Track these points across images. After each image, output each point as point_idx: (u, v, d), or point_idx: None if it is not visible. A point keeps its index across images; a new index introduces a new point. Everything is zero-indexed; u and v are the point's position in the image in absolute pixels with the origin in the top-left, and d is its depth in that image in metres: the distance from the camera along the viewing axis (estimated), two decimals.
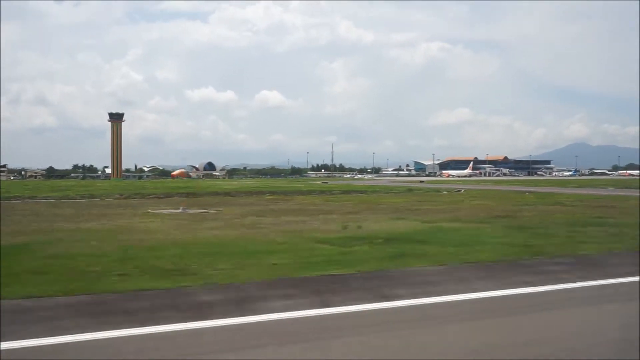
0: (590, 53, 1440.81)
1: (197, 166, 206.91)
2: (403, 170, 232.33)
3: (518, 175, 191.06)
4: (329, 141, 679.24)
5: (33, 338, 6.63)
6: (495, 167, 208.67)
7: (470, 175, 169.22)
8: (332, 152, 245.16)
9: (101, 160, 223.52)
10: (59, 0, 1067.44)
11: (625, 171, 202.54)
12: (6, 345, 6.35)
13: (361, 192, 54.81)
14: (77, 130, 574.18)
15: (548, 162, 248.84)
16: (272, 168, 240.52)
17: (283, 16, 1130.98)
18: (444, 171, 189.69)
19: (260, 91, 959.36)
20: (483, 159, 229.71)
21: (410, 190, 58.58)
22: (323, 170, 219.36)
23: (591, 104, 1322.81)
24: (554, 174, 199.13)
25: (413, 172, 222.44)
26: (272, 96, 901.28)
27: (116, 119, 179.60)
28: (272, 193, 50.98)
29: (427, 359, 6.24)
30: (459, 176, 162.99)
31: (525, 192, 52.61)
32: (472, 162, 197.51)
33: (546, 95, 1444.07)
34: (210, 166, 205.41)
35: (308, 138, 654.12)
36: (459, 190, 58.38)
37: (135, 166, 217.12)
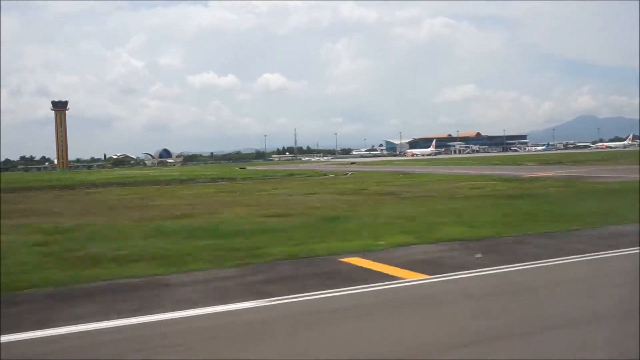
0: (597, 23, 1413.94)
1: (152, 154, 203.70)
2: (377, 150, 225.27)
3: (490, 152, 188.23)
4: (335, 122, 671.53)
5: None
6: (465, 144, 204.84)
7: (435, 154, 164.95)
8: (295, 135, 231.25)
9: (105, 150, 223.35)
10: None
11: (602, 143, 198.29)
12: None
13: (248, 179, 49.23)
14: (80, 120, 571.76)
15: (524, 137, 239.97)
16: (238, 153, 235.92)
17: None
18: (408, 150, 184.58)
19: (262, 74, 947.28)
20: (464, 135, 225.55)
21: (291, 174, 54.38)
22: (287, 154, 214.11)
23: (599, 76, 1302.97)
24: (527, 149, 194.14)
25: (385, 151, 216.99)
26: (275, 79, 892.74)
27: (60, 107, 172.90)
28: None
29: None
30: (422, 155, 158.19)
31: (399, 173, 48.67)
32: (434, 140, 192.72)
33: (554, 68, 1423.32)
34: (167, 153, 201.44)
35: (314, 120, 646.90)
36: (346, 174, 53.41)
37: (105, 155, 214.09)
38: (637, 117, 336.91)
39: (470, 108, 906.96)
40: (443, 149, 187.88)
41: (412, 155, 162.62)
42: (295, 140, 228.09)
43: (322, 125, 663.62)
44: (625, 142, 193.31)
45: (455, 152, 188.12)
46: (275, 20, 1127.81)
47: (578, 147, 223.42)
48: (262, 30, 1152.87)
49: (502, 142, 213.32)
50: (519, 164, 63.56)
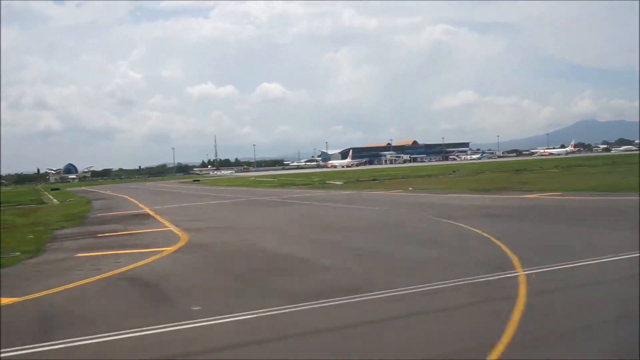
0: (597, 26, 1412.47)
1: (54, 169, 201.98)
2: (317, 160, 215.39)
3: (425, 161, 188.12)
4: (336, 130, 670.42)
5: None
6: (397, 153, 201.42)
7: (350, 165, 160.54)
8: (215, 146, 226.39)
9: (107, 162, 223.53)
10: (61, 1, 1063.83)
11: (545, 150, 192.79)
12: None
13: None
14: (82, 132, 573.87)
15: (466, 145, 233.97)
16: (163, 166, 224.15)
17: (285, 7, 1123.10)
18: (329, 162, 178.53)
19: (261, 84, 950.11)
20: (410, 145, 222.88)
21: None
22: (209, 167, 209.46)
23: (599, 79, 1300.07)
24: (463, 157, 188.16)
25: (321, 162, 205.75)
26: (274, 88, 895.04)
27: None
28: None
29: None
30: (342, 166, 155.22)
31: None
32: (351, 151, 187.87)
33: (554, 72, 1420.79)
34: (74, 168, 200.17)
35: (315, 128, 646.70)
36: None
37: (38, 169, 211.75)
38: (637, 120, 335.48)
39: (471, 113, 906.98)
40: (364, 160, 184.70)
41: (331, 166, 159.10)
42: (216, 152, 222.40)
43: (323, 133, 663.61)
44: (567, 149, 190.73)
45: (386, 162, 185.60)
46: (276, 30, 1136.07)
47: (522, 153, 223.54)
48: (263, 40, 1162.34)
49: (441, 151, 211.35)
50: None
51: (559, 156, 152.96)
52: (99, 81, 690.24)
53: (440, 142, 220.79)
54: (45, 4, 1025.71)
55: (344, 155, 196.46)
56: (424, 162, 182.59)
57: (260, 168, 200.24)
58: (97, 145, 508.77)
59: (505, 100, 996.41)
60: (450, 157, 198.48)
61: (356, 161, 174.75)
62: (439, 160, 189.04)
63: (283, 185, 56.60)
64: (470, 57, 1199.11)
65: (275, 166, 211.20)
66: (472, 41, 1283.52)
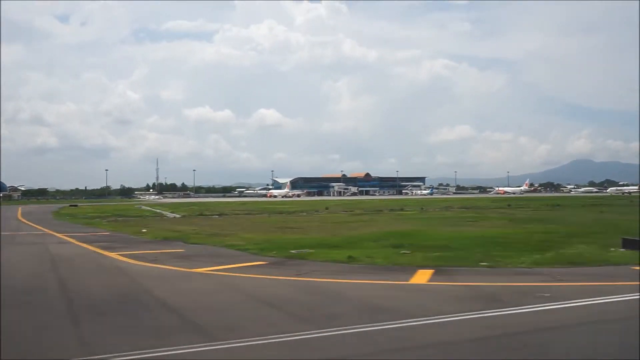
0: (596, 67, 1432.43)
1: None
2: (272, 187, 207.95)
3: (374, 194, 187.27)
4: (333, 159, 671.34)
5: None
6: (345, 185, 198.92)
7: (288, 195, 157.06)
8: (157, 169, 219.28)
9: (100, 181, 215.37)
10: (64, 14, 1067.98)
11: (501, 188, 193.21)
12: None
13: None
14: (79, 150, 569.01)
15: (422, 180, 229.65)
16: (107, 188, 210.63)
17: (287, 35, 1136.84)
18: (268, 191, 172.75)
19: (258, 110, 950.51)
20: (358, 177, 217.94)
21: None
22: (151, 190, 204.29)
23: (596, 120, 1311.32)
24: (414, 192, 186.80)
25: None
26: (271, 115, 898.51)
27: None
28: None
29: None
30: (282, 196, 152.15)
31: None
32: (289, 181, 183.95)
33: (552, 111, 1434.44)
34: (3, 185, 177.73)
35: (311, 155, 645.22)
36: None
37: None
38: (632, 162, 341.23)
39: (470, 148, 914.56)
40: (304, 190, 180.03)
41: (270, 196, 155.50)
42: (157, 176, 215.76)
43: (320, 161, 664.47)
44: (522, 188, 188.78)
45: (334, 194, 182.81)
46: (277, 57, 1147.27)
47: (473, 190, 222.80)
48: (264, 67, 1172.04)
49: (395, 184, 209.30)
50: None
51: (513, 195, 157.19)
52: (97, 100, 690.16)
53: (395, 176, 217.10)
54: (50, 23, 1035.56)
55: (293, 184, 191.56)
56: (375, 195, 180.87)
57: (201, 195, 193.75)
58: (92, 163, 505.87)
59: (502, 136, 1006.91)
60: (403, 191, 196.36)
61: (297, 191, 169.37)
62: (392, 194, 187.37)
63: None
64: (469, 92, 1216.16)
65: (220, 193, 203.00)
66: (472, 76, 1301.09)
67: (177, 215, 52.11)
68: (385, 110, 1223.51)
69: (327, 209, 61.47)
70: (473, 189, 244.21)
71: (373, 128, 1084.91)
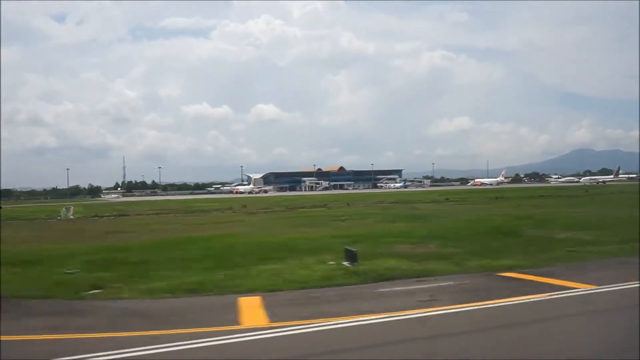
0: (595, 56, 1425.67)
1: None
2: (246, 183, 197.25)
3: (349, 188, 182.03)
4: (333, 153, 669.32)
5: None
6: (317, 179, 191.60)
7: (253, 192, 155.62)
8: (124, 167, 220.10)
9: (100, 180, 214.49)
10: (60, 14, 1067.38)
11: (478, 180, 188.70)
12: None
13: None
14: (79, 150, 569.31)
15: (398, 173, 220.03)
16: (76, 187, 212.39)
17: (285, 29, 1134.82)
18: (233, 187, 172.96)
19: (257, 105, 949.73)
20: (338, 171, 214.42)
21: None
22: (119, 189, 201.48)
23: (597, 109, 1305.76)
24: (388, 185, 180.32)
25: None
26: (268, 109, 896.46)
27: None
28: None
29: None
30: (247, 192, 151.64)
31: None
32: (254, 178, 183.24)
33: (552, 101, 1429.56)
34: None
35: (311, 150, 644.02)
36: None
37: None
38: (634, 150, 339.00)
39: (469, 139, 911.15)
40: (271, 186, 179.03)
41: (236, 192, 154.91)
42: (124, 174, 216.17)
43: (319, 155, 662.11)
44: (498, 179, 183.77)
45: (306, 189, 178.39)
46: (275, 52, 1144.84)
47: (454, 182, 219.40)
48: (262, 62, 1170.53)
49: (370, 178, 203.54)
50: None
51: (490, 186, 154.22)
52: (95, 99, 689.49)
53: (370, 169, 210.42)
54: (46, 23, 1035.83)
55: (265, 179, 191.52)
56: (348, 189, 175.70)
57: (171, 192, 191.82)
58: (91, 163, 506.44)
59: (502, 127, 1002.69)
60: (378, 184, 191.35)
61: (265, 187, 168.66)
62: (367, 188, 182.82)
63: None
64: (468, 83, 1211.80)
65: (190, 190, 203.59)
66: (471, 67, 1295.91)
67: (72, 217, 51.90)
68: (385, 103, 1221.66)
69: (244, 206, 59.02)
70: (455, 180, 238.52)
71: (372, 121, 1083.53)
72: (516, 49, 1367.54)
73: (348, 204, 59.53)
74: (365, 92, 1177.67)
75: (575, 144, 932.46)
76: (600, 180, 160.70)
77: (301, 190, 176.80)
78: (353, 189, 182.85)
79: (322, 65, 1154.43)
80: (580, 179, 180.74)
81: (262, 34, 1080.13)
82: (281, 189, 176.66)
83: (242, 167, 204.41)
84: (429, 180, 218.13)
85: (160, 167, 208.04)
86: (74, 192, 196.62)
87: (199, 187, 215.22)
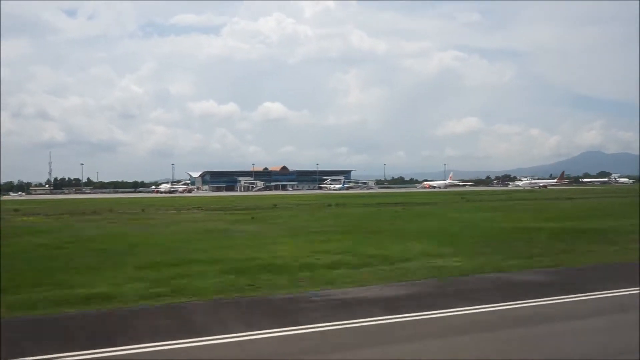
0: (606, 57, 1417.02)
1: None
2: (189, 182, 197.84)
3: (289, 189, 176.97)
4: (340, 152, 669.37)
5: None
6: (253, 179, 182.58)
7: (189, 191, 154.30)
8: (50, 163, 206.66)
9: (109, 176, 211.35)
10: (72, 8, 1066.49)
11: (427, 182, 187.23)
12: None
13: None
14: (86, 144, 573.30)
15: (347, 173, 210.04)
16: (8, 183, 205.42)
17: (295, 27, 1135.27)
18: (156, 188, 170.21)
19: (264, 103, 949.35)
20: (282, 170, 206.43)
21: None
22: (47, 186, 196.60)
23: (607, 111, 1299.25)
24: (329, 187, 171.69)
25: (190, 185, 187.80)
26: (276, 108, 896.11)
27: None
28: None
29: None
30: (165, 191, 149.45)
31: None
32: (185, 180, 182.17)
33: (563, 102, 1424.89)
34: None
35: (318, 149, 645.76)
36: None
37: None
38: None
39: (479, 140, 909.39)
40: (194, 186, 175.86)
41: (157, 192, 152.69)
42: (50, 171, 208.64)
43: (327, 154, 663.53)
44: (446, 182, 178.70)
45: (241, 189, 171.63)
46: (285, 50, 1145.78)
47: (405, 183, 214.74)
48: (272, 60, 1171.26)
49: (315, 179, 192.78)
50: None
51: (438, 189, 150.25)
52: (103, 95, 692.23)
53: (315, 169, 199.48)
54: (56, 16, 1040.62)
55: (202, 178, 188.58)
56: (287, 190, 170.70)
57: (102, 190, 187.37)
58: (99, 158, 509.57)
59: (512, 129, 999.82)
60: (321, 185, 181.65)
61: (188, 187, 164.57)
62: (312, 189, 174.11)
63: None
64: (480, 83, 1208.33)
65: (131, 188, 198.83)
66: (482, 68, 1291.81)
67: None
68: (395, 103, 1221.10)
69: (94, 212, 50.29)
70: (407, 182, 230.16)
71: (382, 121, 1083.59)
72: (527, 49, 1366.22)
73: (143, 210, 52.15)
74: (375, 92, 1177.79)
75: (585, 146, 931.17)
76: (541, 184, 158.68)
77: (237, 190, 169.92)
78: (294, 189, 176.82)
79: (332, 64, 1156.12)
80: (520, 182, 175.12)
81: (273, 32, 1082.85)
82: (218, 189, 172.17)
83: (172, 164, 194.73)
84: (374, 182, 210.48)
85: (82, 164, 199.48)
86: (9, 187, 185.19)
87: (138, 185, 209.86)
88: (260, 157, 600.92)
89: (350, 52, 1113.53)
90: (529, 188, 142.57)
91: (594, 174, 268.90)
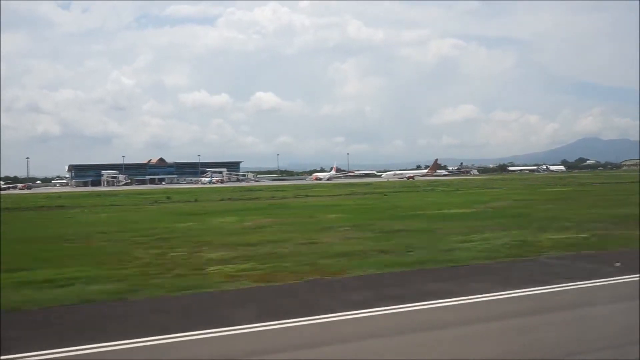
0: (607, 44, 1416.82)
1: None
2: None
3: (164, 183, 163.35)
4: (338, 142, 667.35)
5: None
6: (116, 172, 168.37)
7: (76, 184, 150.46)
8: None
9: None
10: (66, 1, 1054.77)
11: (315, 174, 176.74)
12: None
13: None
14: (81, 137, 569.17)
15: (236, 165, 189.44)
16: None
17: (292, 17, 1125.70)
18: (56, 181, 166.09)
19: (256, 93, 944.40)
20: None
21: None
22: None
23: (604, 97, 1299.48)
24: (203, 179, 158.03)
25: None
26: (273, 98, 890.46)
27: None
28: None
29: None
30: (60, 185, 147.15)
31: None
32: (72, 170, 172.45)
33: (562, 89, 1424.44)
34: None
35: (316, 139, 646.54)
36: None
37: None
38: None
39: (477, 128, 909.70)
40: (73, 181, 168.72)
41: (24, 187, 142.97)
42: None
43: (325, 144, 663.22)
44: (330, 173, 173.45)
45: (104, 184, 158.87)
46: (282, 40, 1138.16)
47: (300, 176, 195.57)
48: (268, 50, 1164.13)
49: (197, 171, 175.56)
50: None
51: (326, 181, 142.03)
52: (99, 86, 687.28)
53: (196, 161, 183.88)
54: (51, 10, 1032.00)
55: (70, 172, 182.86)
56: (162, 183, 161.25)
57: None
58: (95, 150, 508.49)
59: (511, 115, 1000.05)
60: (194, 179, 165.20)
61: (28, 183, 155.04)
62: (189, 183, 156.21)
63: None
64: (479, 71, 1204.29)
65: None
66: (481, 56, 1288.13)
67: None
68: (392, 92, 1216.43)
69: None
70: (300, 174, 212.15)
71: (380, 110, 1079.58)
72: (527, 37, 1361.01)
73: None
74: (373, 81, 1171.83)
75: (582, 133, 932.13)
76: (407, 175, 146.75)
77: (100, 185, 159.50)
78: (174, 183, 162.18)
79: (329, 53, 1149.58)
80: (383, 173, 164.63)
81: (269, 22, 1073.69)
82: (85, 184, 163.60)
83: (27, 158, 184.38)
84: (252, 175, 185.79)
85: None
86: None
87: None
88: (259, 149, 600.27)
89: (347, 42, 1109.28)
90: (392, 180, 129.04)
91: (592, 161, 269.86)
